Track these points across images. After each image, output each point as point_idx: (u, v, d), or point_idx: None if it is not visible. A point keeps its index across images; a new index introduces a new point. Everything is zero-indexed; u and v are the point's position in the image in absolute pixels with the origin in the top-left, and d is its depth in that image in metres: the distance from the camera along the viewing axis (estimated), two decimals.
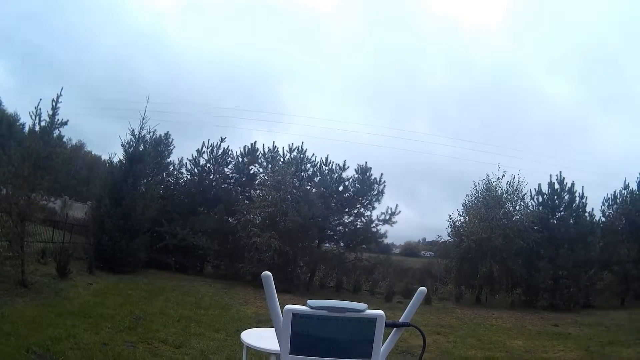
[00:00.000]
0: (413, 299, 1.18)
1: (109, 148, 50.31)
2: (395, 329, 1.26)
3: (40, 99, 10.42)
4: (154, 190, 17.46)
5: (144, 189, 16.83)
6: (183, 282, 15.61)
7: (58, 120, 10.55)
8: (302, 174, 19.94)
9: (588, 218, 18.69)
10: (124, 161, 16.47)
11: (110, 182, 16.12)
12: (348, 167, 19.98)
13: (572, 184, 18.76)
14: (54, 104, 10.48)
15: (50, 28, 64.55)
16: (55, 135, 10.80)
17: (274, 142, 20.99)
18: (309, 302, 1.03)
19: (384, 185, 20.00)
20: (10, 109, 27.21)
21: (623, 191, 20.04)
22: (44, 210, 10.40)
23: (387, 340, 1.16)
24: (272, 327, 6.39)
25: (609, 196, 20.23)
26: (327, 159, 20.23)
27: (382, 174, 20.06)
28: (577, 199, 18.64)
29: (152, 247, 17.20)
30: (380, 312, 1.03)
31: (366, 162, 20.08)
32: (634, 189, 19.72)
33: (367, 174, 19.95)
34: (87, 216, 18.78)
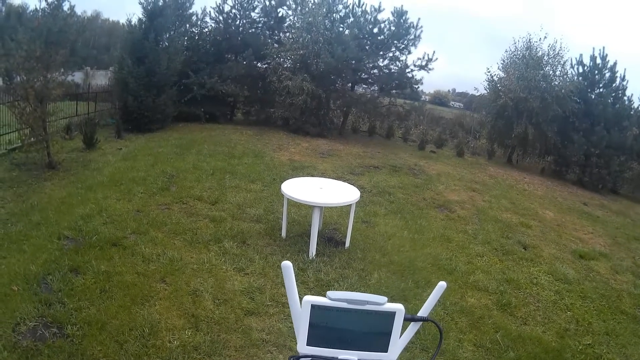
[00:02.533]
0: (432, 293, 1.01)
1: (127, 10, 47.98)
2: (412, 322, 1.04)
3: None
4: (177, 42, 16.74)
5: (167, 44, 16.09)
6: (214, 132, 15.52)
7: None
8: (334, 15, 18.66)
9: (627, 102, 17.50)
10: (144, 19, 15.57)
11: (130, 43, 15.35)
12: (383, 9, 18.58)
13: (615, 63, 17.30)
14: None
15: None
16: (65, 7, 10.08)
17: None
18: (329, 293, 1.05)
19: (421, 30, 18.71)
20: (16, 0, 25.68)
21: None
22: (63, 86, 9.89)
23: (404, 334, 0.96)
24: (310, 176, 6.10)
25: None
26: (360, 0, 18.83)
27: (419, 19, 18.70)
28: (618, 79, 17.33)
29: (180, 101, 16.86)
30: (400, 306, 1.04)
31: (402, 5, 18.82)
32: None
33: (404, 18, 18.63)
34: (110, 81, 18.35)
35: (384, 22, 18.70)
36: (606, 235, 9.60)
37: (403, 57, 19.24)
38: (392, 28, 18.70)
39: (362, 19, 18.75)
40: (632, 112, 17.45)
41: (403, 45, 18.98)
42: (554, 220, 10.06)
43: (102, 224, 6.19)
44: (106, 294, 4.43)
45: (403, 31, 18.62)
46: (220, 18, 19.49)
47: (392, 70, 19.41)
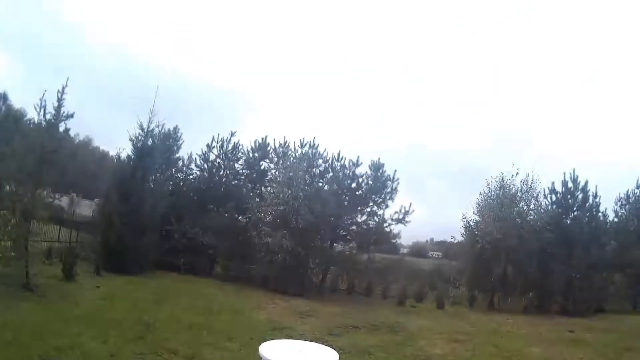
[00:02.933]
0: None
1: (117, 143, 49.98)
2: None
3: (45, 91, 10.00)
4: (162, 186, 17.13)
5: (152, 185, 16.52)
6: (193, 284, 15.27)
7: (64, 112, 10.13)
8: (314, 170, 19.41)
9: (601, 218, 18.25)
10: (132, 156, 16.14)
11: (118, 178, 15.74)
12: (361, 163, 19.50)
13: (586, 183, 18.22)
14: (59, 95, 10.05)
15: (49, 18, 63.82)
16: (61, 128, 10.43)
17: (285, 137, 20.52)
18: None
19: (398, 183, 19.56)
20: (17, 104, 26.79)
21: (636, 190, 19.56)
22: (50, 208, 9.99)
23: None
24: (291, 338, 5.92)
25: (622, 195, 19.75)
26: (339, 154, 19.78)
27: (395, 171, 19.63)
28: (591, 198, 18.12)
29: (161, 247, 16.81)
30: None
31: (379, 158, 19.67)
32: None
33: (381, 171, 19.49)
34: (94, 214, 18.39)
35: (362, 176, 19.50)
36: (597, 357, 9.42)
37: (380, 212, 19.78)
38: (370, 182, 19.43)
39: (340, 173, 19.46)
40: (608, 226, 17.98)
41: (380, 200, 19.57)
42: (541, 355, 9.79)
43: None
44: None
45: (380, 184, 19.35)
46: (205, 166, 20.16)
47: (370, 226, 19.77)
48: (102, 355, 6.51)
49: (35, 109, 9.97)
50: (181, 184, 19.79)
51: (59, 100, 10.07)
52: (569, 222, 18.17)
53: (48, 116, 10.01)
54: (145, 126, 16.43)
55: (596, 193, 18.13)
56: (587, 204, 18.07)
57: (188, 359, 7.36)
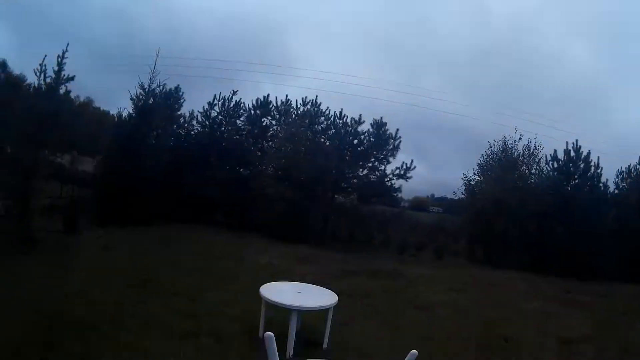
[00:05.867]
0: None
1: (118, 103, 49.45)
2: None
3: (45, 55, 10.13)
4: (164, 142, 17.23)
5: (154, 142, 16.74)
6: (195, 232, 15.60)
7: (64, 76, 10.30)
8: (316, 127, 19.58)
9: (602, 189, 18.25)
10: (134, 114, 16.34)
11: (119, 136, 15.90)
12: (364, 121, 19.57)
13: (588, 153, 18.11)
14: (59, 59, 10.19)
15: None
16: (62, 91, 10.48)
17: (287, 95, 20.62)
18: None
19: (400, 141, 19.60)
20: (16, 70, 26.35)
21: (638, 165, 19.22)
22: (51, 167, 10.11)
23: None
24: (290, 280, 6.06)
25: (624, 169, 19.46)
26: (341, 113, 19.82)
27: (397, 130, 19.65)
28: (592, 168, 18.07)
29: (164, 199, 17.03)
30: None
31: (382, 117, 19.71)
32: None
33: (383, 129, 19.51)
34: (96, 170, 18.55)
35: (364, 133, 19.53)
36: (591, 318, 9.45)
37: (382, 167, 19.91)
38: (372, 139, 19.47)
39: (342, 130, 19.51)
40: (608, 197, 18.09)
41: (382, 156, 19.66)
42: (537, 310, 9.91)
43: (79, 306, 6.16)
44: None
45: (382, 142, 19.38)
46: (207, 123, 20.31)
47: (372, 180, 19.92)
48: (106, 301, 6.70)
49: (35, 73, 10.12)
50: (183, 139, 20.00)
51: (59, 64, 10.22)
52: (569, 189, 18.19)
53: (48, 80, 10.14)
54: (146, 86, 16.62)
55: (598, 164, 18.05)
56: (589, 174, 18.05)
57: (190, 300, 7.56)
